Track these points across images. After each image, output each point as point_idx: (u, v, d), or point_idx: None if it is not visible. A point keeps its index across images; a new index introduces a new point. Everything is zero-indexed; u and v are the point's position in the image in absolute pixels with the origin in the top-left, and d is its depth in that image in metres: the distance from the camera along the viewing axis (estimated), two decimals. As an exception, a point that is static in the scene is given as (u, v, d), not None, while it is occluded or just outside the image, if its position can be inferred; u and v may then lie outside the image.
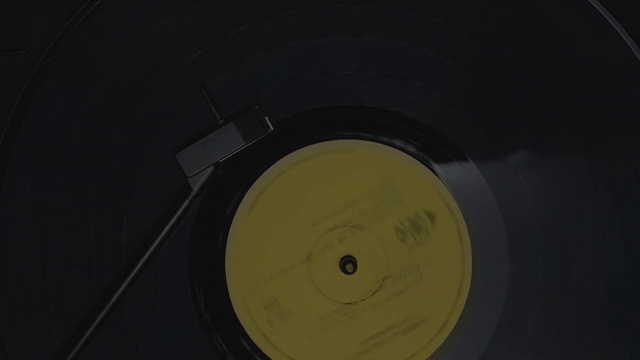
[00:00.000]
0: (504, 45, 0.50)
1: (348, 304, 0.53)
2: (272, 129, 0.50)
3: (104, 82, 0.51)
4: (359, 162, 0.52)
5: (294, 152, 0.52)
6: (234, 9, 0.50)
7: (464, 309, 0.52)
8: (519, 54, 0.50)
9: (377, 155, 0.52)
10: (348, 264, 0.52)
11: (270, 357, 0.53)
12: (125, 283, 0.50)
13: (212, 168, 0.49)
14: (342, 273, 0.53)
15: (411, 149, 0.52)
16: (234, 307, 0.53)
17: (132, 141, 0.51)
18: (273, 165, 0.52)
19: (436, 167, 0.52)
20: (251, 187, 0.52)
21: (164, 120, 0.51)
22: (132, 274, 0.50)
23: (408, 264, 0.53)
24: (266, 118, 0.49)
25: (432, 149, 0.52)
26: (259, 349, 0.53)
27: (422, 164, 0.52)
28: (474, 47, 0.50)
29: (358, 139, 0.53)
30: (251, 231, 0.52)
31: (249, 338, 0.53)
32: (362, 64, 0.51)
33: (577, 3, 0.50)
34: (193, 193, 0.50)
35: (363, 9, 0.50)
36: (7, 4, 0.51)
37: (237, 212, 0.53)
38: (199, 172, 0.49)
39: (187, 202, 0.50)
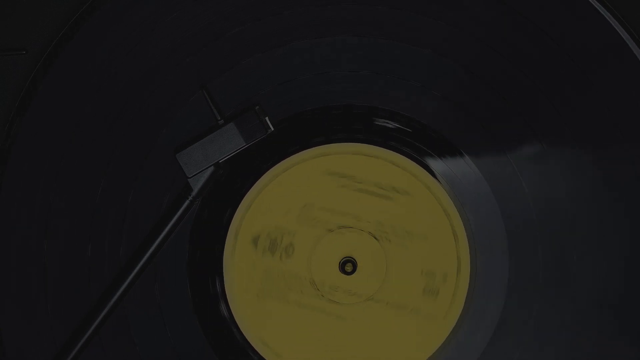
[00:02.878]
0: (504, 45, 0.50)
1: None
2: (272, 129, 0.50)
3: (104, 82, 0.51)
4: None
5: (291, 156, 0.52)
6: (234, 8, 0.50)
7: (468, 293, 0.52)
8: (519, 54, 0.50)
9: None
10: (347, 264, 0.52)
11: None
12: (126, 283, 0.50)
13: (212, 168, 0.49)
14: (342, 273, 0.53)
15: (410, 148, 0.52)
16: (234, 312, 0.53)
17: (132, 141, 0.51)
18: (273, 168, 0.52)
19: (435, 165, 0.52)
20: (251, 189, 0.53)
21: (164, 120, 0.51)
22: (132, 274, 0.50)
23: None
24: (267, 118, 0.49)
25: (431, 148, 0.52)
26: (261, 356, 0.54)
27: (420, 166, 0.52)
28: (474, 47, 0.50)
29: (357, 142, 0.53)
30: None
31: (247, 341, 0.53)
32: (362, 64, 0.51)
33: (577, 3, 0.50)
34: (193, 193, 0.50)
35: (363, 8, 0.50)
36: (7, 4, 0.51)
37: (233, 218, 0.53)
38: (199, 173, 0.49)
39: (187, 202, 0.50)
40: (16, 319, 0.51)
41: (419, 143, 0.52)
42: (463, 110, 0.51)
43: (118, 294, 0.50)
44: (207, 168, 0.49)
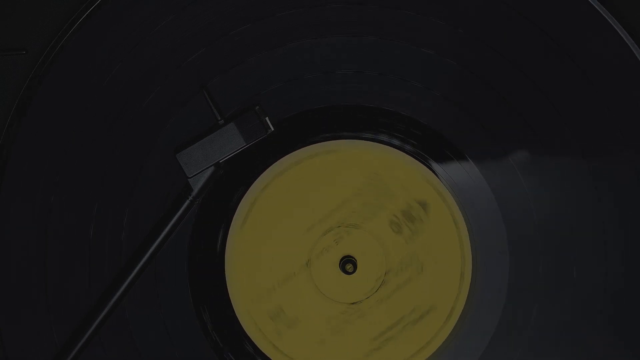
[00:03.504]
0: (504, 45, 0.50)
1: (353, 303, 0.53)
2: (272, 129, 0.50)
3: (104, 82, 0.51)
4: (345, 162, 0.52)
5: (292, 153, 0.52)
6: (234, 8, 0.50)
7: (469, 294, 0.52)
8: (519, 54, 0.50)
9: (360, 154, 0.52)
10: (348, 264, 0.52)
11: None
12: (126, 283, 0.50)
13: (212, 168, 0.49)
14: (343, 273, 0.53)
15: (410, 148, 0.52)
16: (239, 319, 0.53)
17: (132, 141, 0.51)
18: (268, 169, 0.52)
19: (436, 166, 0.52)
20: (251, 189, 0.53)
21: (164, 120, 0.51)
22: (132, 274, 0.50)
23: (407, 255, 0.53)
24: (267, 119, 0.49)
25: (431, 149, 0.52)
26: (263, 355, 0.54)
27: (407, 156, 0.52)
28: (474, 47, 0.50)
29: (358, 139, 0.53)
30: (246, 244, 0.52)
31: (257, 348, 0.54)
32: (362, 64, 0.51)
33: (577, 3, 0.50)
34: (193, 193, 0.50)
35: (363, 8, 0.50)
36: (7, 4, 0.51)
37: (230, 227, 0.53)
38: (199, 173, 0.49)
39: (187, 202, 0.50)
40: (16, 319, 0.51)
41: (418, 143, 0.52)
42: (463, 110, 0.51)
43: (118, 294, 0.50)
44: (207, 168, 0.49)
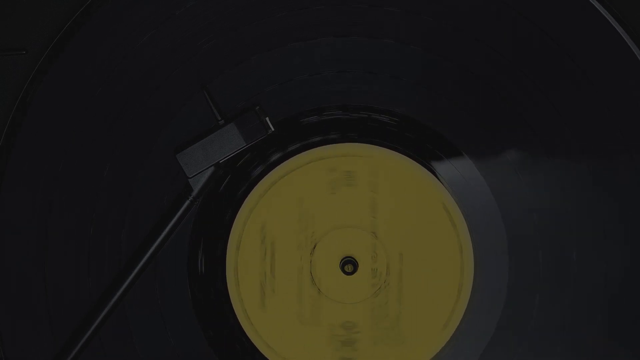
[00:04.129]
0: (504, 45, 0.50)
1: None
2: (273, 129, 0.50)
3: (104, 82, 0.51)
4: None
5: (294, 157, 0.53)
6: (234, 8, 0.50)
7: (469, 294, 0.52)
8: (519, 54, 0.50)
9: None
10: (348, 264, 0.52)
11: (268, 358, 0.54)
12: (126, 283, 0.50)
13: (212, 169, 0.49)
14: (342, 273, 0.53)
15: (409, 148, 0.52)
16: (234, 313, 0.53)
17: (132, 141, 0.51)
18: (275, 169, 0.52)
19: (435, 167, 0.52)
20: (253, 189, 0.53)
21: (164, 120, 0.51)
22: (132, 274, 0.50)
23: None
24: (267, 119, 0.49)
25: (432, 149, 0.52)
26: (263, 356, 0.54)
27: (420, 166, 0.52)
28: (473, 47, 0.50)
29: (364, 142, 0.53)
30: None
31: (250, 341, 0.53)
32: (362, 65, 0.51)
33: (577, 3, 0.50)
34: (194, 194, 0.50)
35: (363, 8, 0.50)
36: (7, 4, 0.51)
37: (235, 218, 0.53)
38: (199, 173, 0.49)
39: (187, 202, 0.50)
40: (16, 319, 0.51)
41: (418, 143, 0.52)
42: (462, 110, 0.51)
43: (118, 294, 0.50)
44: (207, 168, 0.49)
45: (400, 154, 0.52)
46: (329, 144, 0.53)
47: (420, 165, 0.52)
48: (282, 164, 0.52)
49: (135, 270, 0.50)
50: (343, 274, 0.53)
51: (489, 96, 0.51)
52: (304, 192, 0.52)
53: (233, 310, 0.53)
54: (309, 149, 0.53)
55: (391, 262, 0.53)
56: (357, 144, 0.53)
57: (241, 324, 0.53)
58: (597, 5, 0.49)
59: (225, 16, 0.50)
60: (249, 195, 0.53)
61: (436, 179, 0.52)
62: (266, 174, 0.52)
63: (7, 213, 0.51)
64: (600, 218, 0.50)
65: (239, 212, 0.53)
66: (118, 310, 0.51)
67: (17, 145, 0.51)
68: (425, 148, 0.52)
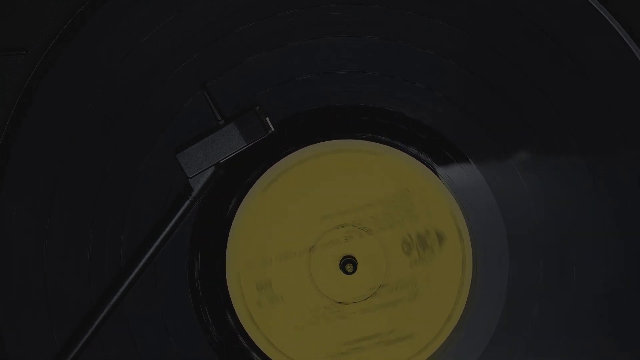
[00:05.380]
0: (504, 45, 0.50)
1: (339, 302, 0.53)
2: (273, 129, 0.50)
3: (104, 82, 0.51)
4: (379, 166, 0.52)
5: (292, 154, 0.52)
6: (234, 8, 0.50)
7: (469, 294, 0.52)
8: (519, 54, 0.50)
9: (398, 163, 0.52)
10: (348, 264, 0.52)
11: (268, 355, 0.54)
12: (126, 283, 0.50)
13: (213, 169, 0.49)
14: (341, 272, 0.53)
15: (412, 148, 0.52)
16: (234, 312, 0.53)
17: (132, 141, 0.51)
18: (274, 167, 0.52)
19: (437, 168, 0.52)
20: (253, 188, 0.53)
21: (164, 120, 0.51)
22: (132, 274, 0.50)
23: (407, 278, 0.53)
24: (267, 119, 0.49)
25: (431, 148, 0.52)
26: (256, 345, 0.54)
27: (440, 181, 0.52)
28: (474, 47, 0.50)
29: (377, 141, 0.53)
30: (261, 212, 0.52)
31: (249, 338, 0.53)
32: (362, 65, 0.51)
33: (577, 3, 0.50)
34: (194, 194, 0.50)
35: (363, 8, 0.50)
36: (7, 4, 0.51)
37: (235, 218, 0.53)
38: (199, 173, 0.49)
39: (187, 202, 0.50)
40: (16, 319, 0.51)
41: (419, 143, 0.52)
42: (462, 110, 0.51)
43: (118, 294, 0.50)
44: (207, 168, 0.49)
45: (401, 153, 0.52)
46: (330, 139, 0.53)
47: (440, 183, 0.52)
48: (281, 161, 0.52)
49: (135, 271, 0.50)
50: (341, 272, 0.53)
51: (489, 96, 0.51)
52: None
53: (233, 310, 0.53)
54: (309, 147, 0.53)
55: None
56: (382, 145, 0.52)
57: (242, 324, 0.53)
58: (597, 5, 0.49)
59: (225, 16, 0.50)
60: (250, 194, 0.53)
61: (454, 201, 0.52)
62: (265, 172, 0.52)
63: (7, 213, 0.51)
64: (601, 218, 0.50)
65: (239, 211, 0.53)
66: (118, 310, 0.51)
67: (17, 145, 0.51)
68: (426, 149, 0.52)
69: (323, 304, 0.53)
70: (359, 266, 0.52)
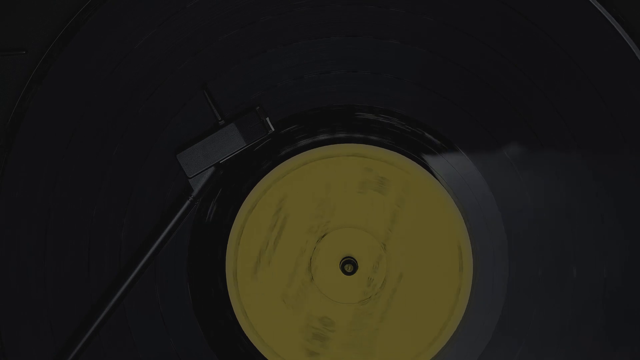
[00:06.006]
0: (504, 44, 0.50)
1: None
2: (273, 129, 0.50)
3: (104, 82, 0.51)
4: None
5: (293, 158, 0.52)
6: (234, 9, 0.50)
7: (469, 294, 0.52)
8: (519, 54, 0.50)
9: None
10: (348, 264, 0.52)
11: None
12: (126, 283, 0.50)
13: (212, 169, 0.49)
14: (342, 273, 0.53)
15: (410, 148, 0.52)
16: (234, 313, 0.53)
17: (132, 141, 0.51)
18: (275, 168, 0.52)
19: (435, 165, 0.52)
20: (253, 189, 0.53)
21: (164, 120, 0.51)
22: (132, 274, 0.50)
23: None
24: (267, 119, 0.49)
25: (431, 148, 0.52)
26: (254, 346, 0.54)
27: (438, 183, 0.52)
28: (474, 47, 0.50)
29: (368, 143, 0.53)
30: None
31: (249, 338, 0.53)
32: (362, 65, 0.51)
33: (577, 3, 0.50)
34: (194, 194, 0.50)
35: (363, 9, 0.50)
36: (7, 4, 0.51)
37: (235, 218, 0.52)
38: (199, 173, 0.49)
39: (187, 202, 0.50)
40: (16, 319, 0.51)
41: (418, 142, 0.52)
42: (463, 110, 0.51)
43: (118, 294, 0.50)
44: (207, 168, 0.49)
45: (400, 154, 0.52)
46: (331, 143, 0.53)
47: (420, 166, 0.52)
48: (282, 164, 0.52)
49: (135, 271, 0.50)
50: (341, 272, 0.53)
51: (489, 96, 0.51)
52: (304, 192, 0.52)
53: (233, 309, 0.53)
54: (310, 148, 0.53)
55: (391, 262, 0.53)
56: (356, 144, 0.52)
57: (239, 324, 0.53)
58: (597, 5, 0.49)
59: (225, 16, 0.50)
60: (250, 194, 0.53)
61: (436, 179, 0.52)
62: (267, 173, 0.52)
63: (7, 213, 0.51)
64: (601, 218, 0.50)
65: (239, 211, 0.53)
66: (118, 310, 0.51)
67: (17, 145, 0.51)
68: (424, 147, 0.52)
69: (324, 306, 0.53)
70: (359, 267, 0.52)
